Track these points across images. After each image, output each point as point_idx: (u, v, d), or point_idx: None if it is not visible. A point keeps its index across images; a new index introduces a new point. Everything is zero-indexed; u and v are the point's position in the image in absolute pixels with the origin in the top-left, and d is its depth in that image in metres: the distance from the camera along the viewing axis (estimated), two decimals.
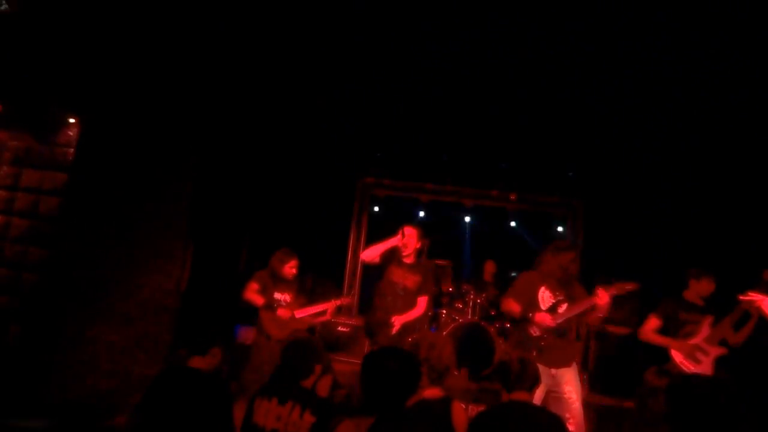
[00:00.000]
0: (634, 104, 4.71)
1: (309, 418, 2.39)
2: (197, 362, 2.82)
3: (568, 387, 3.56)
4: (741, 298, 3.67)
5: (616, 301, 3.81)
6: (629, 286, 3.60)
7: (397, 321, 4.23)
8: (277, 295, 4.54)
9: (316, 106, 5.52)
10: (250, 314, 4.72)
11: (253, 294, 4.47)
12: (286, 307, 4.51)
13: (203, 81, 4.90)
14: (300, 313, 4.52)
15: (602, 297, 3.48)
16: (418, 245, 4.40)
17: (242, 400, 3.27)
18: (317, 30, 4.19)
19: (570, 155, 5.95)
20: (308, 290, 5.39)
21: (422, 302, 4.42)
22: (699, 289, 4.08)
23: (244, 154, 5.90)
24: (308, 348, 2.68)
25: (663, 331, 4.09)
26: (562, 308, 3.61)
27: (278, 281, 4.55)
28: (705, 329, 3.96)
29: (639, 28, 3.64)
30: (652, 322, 4.12)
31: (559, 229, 6.93)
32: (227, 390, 2.71)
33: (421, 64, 4.58)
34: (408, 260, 4.40)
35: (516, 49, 4.10)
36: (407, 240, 4.34)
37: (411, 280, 4.36)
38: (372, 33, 4.17)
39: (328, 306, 4.63)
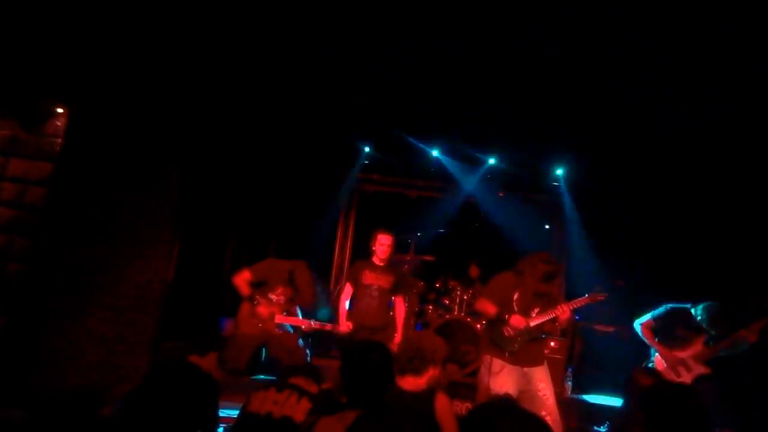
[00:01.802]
0: (627, 102, 4.73)
1: (306, 404, 2.43)
2: (195, 360, 2.83)
3: (542, 384, 3.62)
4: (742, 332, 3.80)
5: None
6: (600, 296, 3.68)
7: (398, 339, 4.52)
8: (272, 295, 4.54)
9: (305, 100, 5.51)
10: (236, 307, 4.71)
11: (242, 282, 4.47)
12: (269, 306, 4.49)
13: (191, 75, 4.88)
14: (280, 319, 4.50)
15: (564, 312, 3.60)
16: (393, 249, 4.61)
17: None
18: (305, 25, 4.18)
19: (558, 152, 5.98)
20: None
21: (400, 302, 4.74)
22: (711, 327, 4.04)
23: (233, 149, 5.88)
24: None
25: (655, 331, 4.15)
26: (535, 313, 3.67)
27: (283, 281, 4.56)
28: (697, 346, 4.01)
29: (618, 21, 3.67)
30: (648, 321, 4.19)
31: (546, 226, 6.97)
32: (218, 391, 2.73)
33: (407, 60, 4.58)
34: (381, 263, 4.61)
35: (501, 44, 4.11)
36: (380, 246, 4.56)
37: (385, 280, 4.59)
38: (359, 27, 4.16)
39: (313, 325, 4.55)
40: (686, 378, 3.95)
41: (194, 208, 5.37)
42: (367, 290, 4.55)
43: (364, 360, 2.26)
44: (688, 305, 4.13)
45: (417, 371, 2.69)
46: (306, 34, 4.41)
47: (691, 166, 5.38)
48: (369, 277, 4.56)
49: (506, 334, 3.67)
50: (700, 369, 3.96)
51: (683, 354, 4.01)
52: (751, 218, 5.20)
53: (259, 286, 4.55)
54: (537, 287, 3.68)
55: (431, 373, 2.73)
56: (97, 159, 4.88)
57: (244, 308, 4.51)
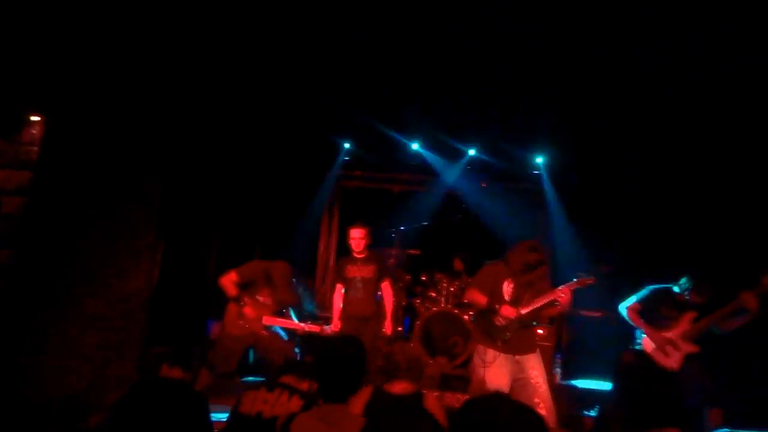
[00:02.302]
0: (608, 87, 4.77)
1: (297, 402, 2.44)
2: (176, 373, 2.80)
3: (534, 372, 3.65)
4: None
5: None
6: (589, 281, 3.69)
7: (388, 327, 4.81)
8: (259, 297, 4.50)
9: (283, 100, 5.48)
10: (223, 309, 4.68)
11: (228, 283, 4.44)
12: (256, 308, 4.46)
13: (169, 78, 4.83)
14: (269, 321, 4.47)
15: (565, 295, 3.60)
16: (368, 241, 4.79)
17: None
18: (281, 23, 4.15)
19: (538, 138, 6.02)
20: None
21: (387, 288, 4.91)
22: (695, 298, 4.07)
23: (213, 151, 5.83)
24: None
25: (641, 314, 4.17)
26: (526, 301, 3.69)
27: (269, 285, 4.54)
28: (683, 324, 4.03)
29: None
30: (633, 303, 4.21)
31: (530, 216, 7.01)
32: (206, 402, 2.71)
33: (384, 53, 4.57)
34: (360, 255, 4.80)
35: (478, 34, 4.12)
36: (352, 241, 4.76)
37: (366, 271, 4.79)
38: (335, 22, 4.14)
39: (302, 327, 4.59)
40: (675, 357, 3.99)
41: (177, 211, 5.32)
42: (352, 283, 4.78)
43: (338, 354, 2.28)
44: (671, 285, 4.18)
45: (410, 378, 2.72)
46: (283, 32, 4.38)
47: (669, 150, 5.46)
48: (351, 271, 4.80)
49: (497, 323, 3.69)
50: (689, 348, 3.99)
51: (670, 334, 4.04)
52: (730, 201, 5.28)
53: (246, 287, 4.52)
54: (526, 275, 3.70)
55: (404, 384, 2.77)
56: (75, 167, 4.82)
57: (231, 310, 4.48)
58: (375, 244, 5.02)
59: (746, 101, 4.49)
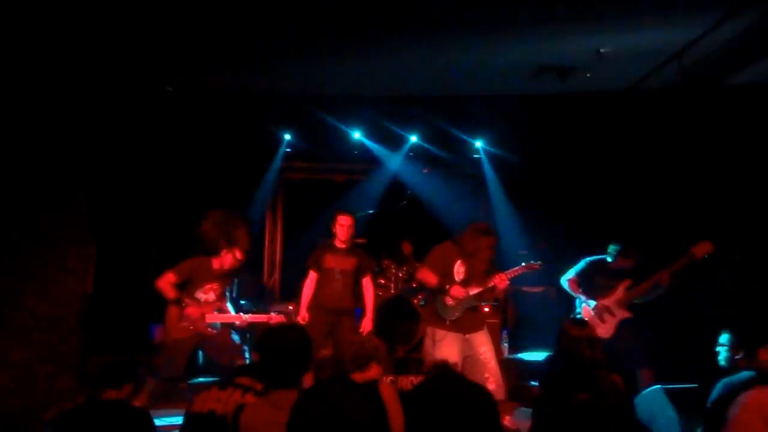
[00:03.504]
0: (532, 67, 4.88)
1: (251, 399, 2.39)
2: (112, 394, 2.67)
3: (483, 348, 3.78)
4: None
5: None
6: (535, 266, 3.89)
7: (366, 325, 4.52)
8: (200, 294, 4.35)
9: (218, 93, 5.32)
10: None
11: (166, 285, 4.25)
12: (198, 307, 4.32)
13: (100, 81, 4.58)
14: (211, 318, 4.33)
15: (501, 282, 3.75)
16: (353, 231, 4.52)
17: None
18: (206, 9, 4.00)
19: (475, 123, 6.14)
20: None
21: (368, 283, 4.65)
22: (624, 262, 4.30)
23: (145, 151, 5.58)
24: None
25: (579, 285, 4.42)
26: (475, 282, 3.80)
27: (210, 276, 4.38)
28: (619, 292, 4.27)
29: None
30: (574, 277, 4.44)
31: (472, 199, 7.18)
32: (149, 419, 2.61)
33: (326, 43, 4.51)
34: (342, 246, 4.51)
35: (420, 26, 4.13)
36: (340, 228, 4.46)
37: (347, 263, 4.50)
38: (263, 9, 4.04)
39: (248, 319, 4.43)
40: (610, 323, 4.23)
41: (109, 216, 5.07)
42: (330, 274, 4.47)
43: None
44: (604, 256, 4.42)
45: (362, 368, 2.78)
46: (208, 19, 4.22)
47: (601, 127, 5.69)
48: (331, 261, 4.49)
49: (447, 303, 3.78)
50: (623, 314, 4.24)
51: (607, 301, 4.29)
52: (658, 178, 5.59)
53: (185, 287, 4.36)
54: (476, 257, 3.79)
55: (375, 369, 2.83)
56: None
57: (172, 312, 4.30)
58: (323, 234, 4.91)
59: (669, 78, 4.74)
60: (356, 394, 2.27)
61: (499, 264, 4.06)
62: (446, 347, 3.71)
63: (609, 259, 4.36)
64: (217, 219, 5.17)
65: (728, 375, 2.68)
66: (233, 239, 4.60)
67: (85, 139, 4.85)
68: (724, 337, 3.04)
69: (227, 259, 4.39)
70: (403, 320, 5.76)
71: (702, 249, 4.00)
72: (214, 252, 4.47)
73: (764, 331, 3.11)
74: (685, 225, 4.95)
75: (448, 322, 3.76)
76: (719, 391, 2.53)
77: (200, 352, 5.03)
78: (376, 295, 5.92)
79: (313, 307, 4.49)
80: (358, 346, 2.84)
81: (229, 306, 4.48)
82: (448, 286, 3.75)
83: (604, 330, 4.19)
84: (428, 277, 3.82)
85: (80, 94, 4.67)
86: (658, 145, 5.36)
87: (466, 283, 3.81)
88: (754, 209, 4.86)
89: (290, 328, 2.43)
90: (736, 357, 2.96)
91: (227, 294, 4.53)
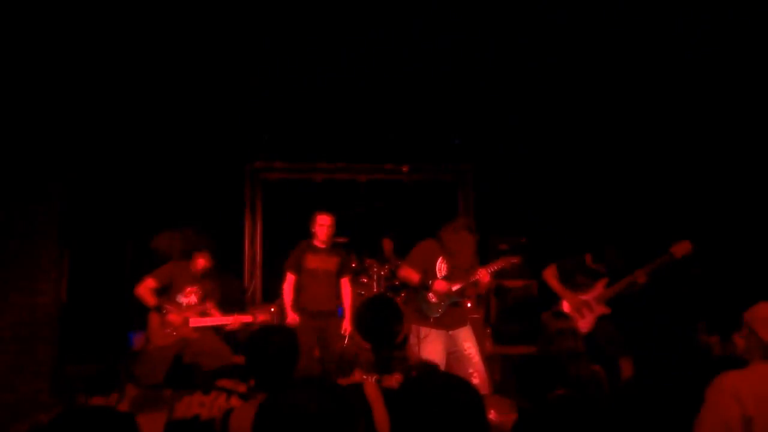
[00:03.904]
0: (516, 66, 4.91)
1: (236, 402, 2.37)
2: (99, 402, 2.61)
3: (467, 344, 3.79)
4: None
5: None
6: (514, 260, 3.92)
7: (347, 326, 4.45)
8: (181, 298, 4.27)
9: (196, 91, 5.22)
10: (144, 318, 4.42)
11: (145, 291, 4.15)
12: (180, 311, 4.23)
13: (71, 74, 4.46)
14: (196, 322, 4.24)
15: (483, 276, 3.76)
16: (333, 230, 4.45)
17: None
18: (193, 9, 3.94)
19: (456, 121, 6.16)
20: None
21: (346, 285, 4.57)
22: (601, 262, 4.40)
23: (120, 152, 5.46)
24: None
25: (559, 280, 4.48)
26: (457, 278, 3.80)
27: (190, 279, 4.29)
28: (598, 288, 4.36)
29: None
30: (552, 270, 4.49)
31: (452, 194, 7.20)
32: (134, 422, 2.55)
33: (301, 41, 4.47)
34: (323, 245, 4.43)
35: (397, 18, 4.12)
36: (320, 228, 4.38)
37: (330, 263, 4.42)
38: (251, 10, 3.99)
39: (233, 321, 4.35)
40: (589, 318, 4.32)
41: (84, 219, 4.94)
42: (312, 275, 4.34)
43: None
44: (585, 254, 4.49)
45: (346, 375, 2.85)
46: (189, 23, 4.16)
47: (584, 121, 5.75)
48: (313, 261, 4.36)
49: (430, 300, 3.78)
50: (602, 309, 4.34)
51: (586, 297, 4.36)
52: (637, 176, 5.68)
53: (167, 291, 4.27)
54: (458, 254, 3.80)
55: (359, 374, 2.89)
56: None
57: (153, 320, 4.21)
58: (302, 235, 4.85)
59: (634, 71, 4.81)
60: (329, 393, 2.26)
61: (479, 260, 4.07)
62: (431, 344, 3.71)
63: (590, 259, 4.44)
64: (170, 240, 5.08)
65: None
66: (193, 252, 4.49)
67: (56, 139, 4.70)
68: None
69: (200, 261, 4.35)
70: (386, 319, 5.74)
71: (681, 249, 4.09)
72: (187, 257, 4.41)
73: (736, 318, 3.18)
74: (667, 224, 5.05)
75: (432, 319, 3.76)
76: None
77: (183, 358, 4.94)
78: (359, 294, 5.93)
79: (297, 311, 4.38)
80: (339, 356, 2.86)
81: (215, 308, 4.42)
82: (430, 282, 3.75)
83: (584, 324, 4.28)
84: (410, 274, 3.82)
85: (51, 89, 4.53)
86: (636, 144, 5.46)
87: (448, 279, 3.81)
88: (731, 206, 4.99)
89: (277, 330, 2.42)
90: (712, 344, 3.03)
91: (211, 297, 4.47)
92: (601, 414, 2.03)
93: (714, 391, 1.98)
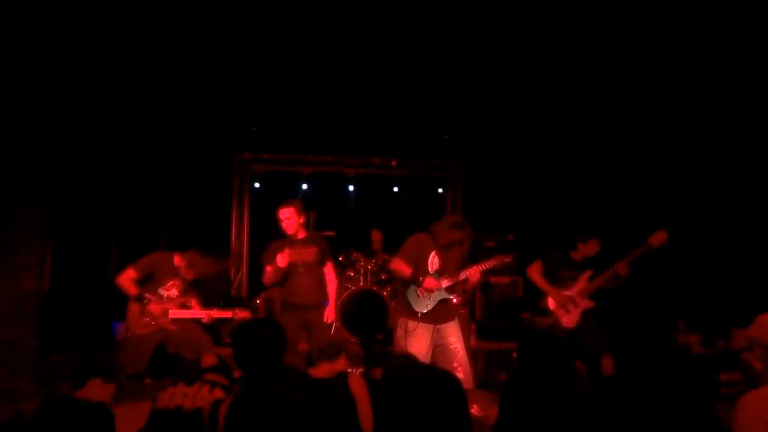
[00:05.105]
0: (504, 64, 4.94)
1: (220, 393, 2.37)
2: (80, 393, 2.57)
3: (453, 338, 3.80)
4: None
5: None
6: (507, 259, 3.91)
7: (329, 314, 4.33)
8: (162, 291, 4.24)
9: (185, 82, 5.17)
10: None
11: (126, 281, 4.11)
12: (160, 303, 4.21)
13: (56, 64, 4.37)
14: (175, 314, 4.21)
15: (474, 274, 3.76)
16: (302, 219, 4.32)
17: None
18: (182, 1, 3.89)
19: (445, 117, 6.17)
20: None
21: (329, 270, 4.45)
22: (585, 251, 4.42)
23: (107, 136, 5.38)
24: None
25: (543, 276, 4.47)
26: (448, 274, 3.82)
27: (172, 273, 4.26)
28: (581, 283, 4.37)
29: None
30: (537, 267, 4.49)
31: (440, 190, 7.23)
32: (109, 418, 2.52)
33: (292, 34, 4.44)
34: (299, 236, 4.32)
35: (388, 13, 4.12)
36: (284, 223, 4.24)
37: (309, 253, 4.29)
38: (242, 2, 3.95)
39: (208, 316, 4.27)
40: (574, 313, 4.35)
41: (65, 208, 4.86)
42: (293, 269, 4.22)
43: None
44: (566, 249, 4.53)
45: (331, 359, 2.81)
46: (178, 14, 4.11)
47: (569, 120, 5.80)
48: (291, 255, 4.20)
49: (420, 295, 3.78)
50: (586, 303, 4.36)
51: (570, 292, 4.40)
52: (619, 170, 5.74)
53: (147, 282, 4.24)
54: (450, 250, 3.80)
55: (344, 361, 2.86)
56: None
57: (133, 309, 4.18)
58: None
59: (618, 66, 4.86)
60: (305, 387, 2.27)
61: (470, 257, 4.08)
62: (417, 338, 3.72)
63: (571, 252, 4.48)
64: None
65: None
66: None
67: (39, 129, 4.61)
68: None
69: (182, 268, 4.32)
70: (372, 312, 5.76)
71: (658, 238, 4.13)
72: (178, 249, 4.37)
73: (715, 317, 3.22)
74: (645, 215, 5.11)
75: (419, 314, 3.77)
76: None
77: (164, 348, 4.91)
78: (345, 288, 5.93)
79: (281, 306, 4.35)
80: (327, 342, 2.89)
81: (195, 301, 4.38)
82: (421, 278, 3.75)
83: (569, 320, 4.31)
84: (402, 267, 3.81)
85: (37, 81, 4.44)
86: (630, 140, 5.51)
87: (439, 274, 3.81)
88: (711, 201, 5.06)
89: (263, 322, 2.40)
90: (691, 342, 3.07)
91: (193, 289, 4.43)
92: (583, 410, 2.05)
93: (741, 415, 1.91)
